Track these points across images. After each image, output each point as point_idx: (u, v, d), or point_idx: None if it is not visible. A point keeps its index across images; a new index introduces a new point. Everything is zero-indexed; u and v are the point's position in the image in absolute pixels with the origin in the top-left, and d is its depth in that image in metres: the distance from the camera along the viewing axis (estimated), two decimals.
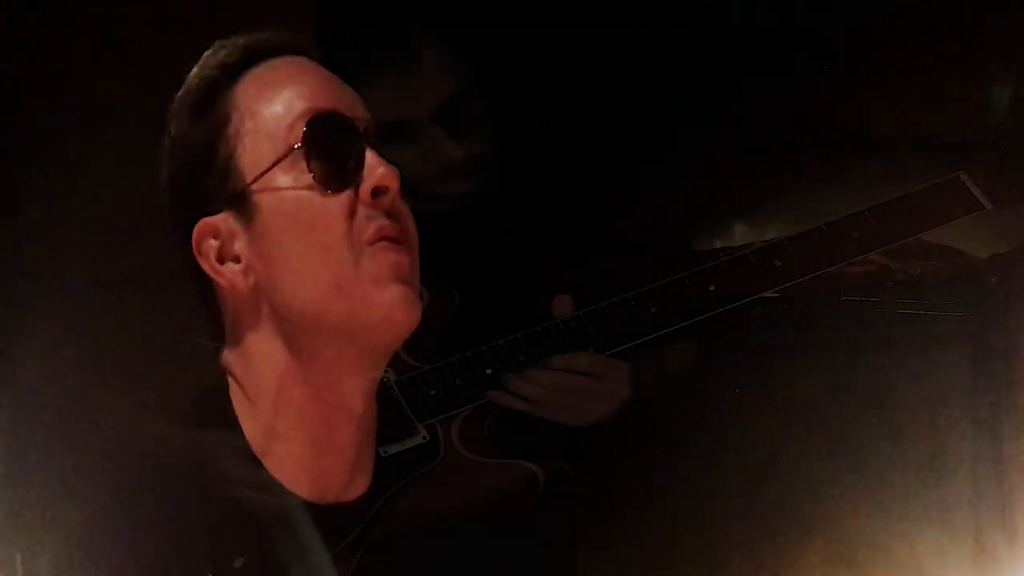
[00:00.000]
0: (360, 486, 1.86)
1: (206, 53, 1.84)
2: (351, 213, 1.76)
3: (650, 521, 2.22)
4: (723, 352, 2.22)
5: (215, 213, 1.80)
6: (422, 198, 2.07)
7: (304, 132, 1.77)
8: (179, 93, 1.84)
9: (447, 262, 1.93)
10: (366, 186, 1.76)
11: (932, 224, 1.80)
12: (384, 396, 1.86)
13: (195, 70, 1.83)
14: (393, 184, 1.76)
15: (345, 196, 1.76)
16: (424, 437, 1.90)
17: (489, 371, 1.89)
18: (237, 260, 1.81)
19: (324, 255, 1.75)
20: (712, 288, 1.85)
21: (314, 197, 1.76)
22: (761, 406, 1.92)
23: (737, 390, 2.26)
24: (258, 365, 1.84)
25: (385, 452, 1.89)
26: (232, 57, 1.82)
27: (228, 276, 1.82)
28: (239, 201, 1.79)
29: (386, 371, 1.85)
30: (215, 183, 1.80)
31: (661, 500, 2.21)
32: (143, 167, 1.97)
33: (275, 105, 1.79)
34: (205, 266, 1.82)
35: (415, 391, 1.91)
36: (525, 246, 2.14)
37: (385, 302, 1.75)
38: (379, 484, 1.89)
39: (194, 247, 1.82)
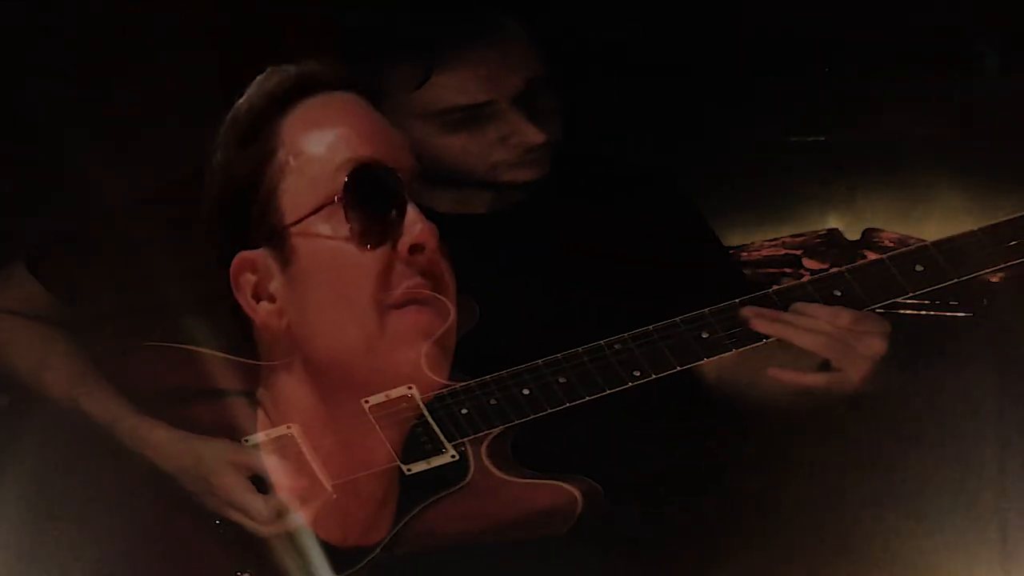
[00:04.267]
0: (381, 531, 1.86)
1: (257, 79, 1.77)
2: (386, 269, 1.73)
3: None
4: None
5: (254, 247, 1.76)
6: (494, 188, 2.07)
7: (345, 183, 1.72)
8: (227, 119, 1.77)
9: (472, 271, 1.84)
10: (404, 241, 1.72)
11: (999, 262, 1.73)
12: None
13: (244, 98, 1.77)
14: (430, 242, 1.72)
15: (381, 251, 1.72)
16: (453, 456, 1.83)
17: (527, 392, 1.81)
18: (272, 300, 1.77)
19: (352, 310, 1.73)
20: None
21: (350, 249, 1.72)
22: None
23: None
24: (285, 407, 1.84)
25: (409, 471, 1.82)
26: (283, 87, 1.76)
27: (262, 315, 1.78)
28: (278, 240, 1.74)
29: (409, 387, 1.78)
30: (256, 216, 1.75)
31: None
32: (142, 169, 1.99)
33: (320, 147, 1.74)
34: (241, 300, 1.78)
35: (444, 409, 1.83)
36: (561, 257, 2.07)
37: (410, 362, 1.73)
38: (402, 504, 1.85)
39: (232, 280, 1.77)
